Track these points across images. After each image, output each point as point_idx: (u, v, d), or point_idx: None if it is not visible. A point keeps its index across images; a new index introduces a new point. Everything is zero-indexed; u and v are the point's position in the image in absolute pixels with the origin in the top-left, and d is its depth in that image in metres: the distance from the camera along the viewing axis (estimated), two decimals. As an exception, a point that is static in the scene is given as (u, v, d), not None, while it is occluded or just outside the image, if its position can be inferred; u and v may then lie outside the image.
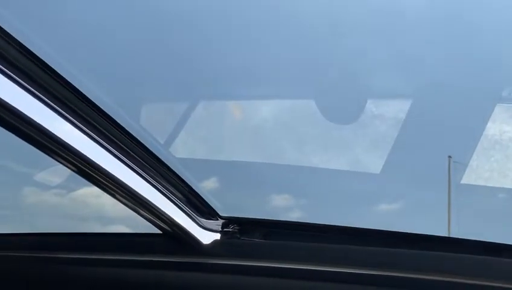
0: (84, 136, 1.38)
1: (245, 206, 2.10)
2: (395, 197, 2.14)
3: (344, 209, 2.10)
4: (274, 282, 1.90)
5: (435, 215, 2.09)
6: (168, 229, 1.84)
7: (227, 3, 1.65)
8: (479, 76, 1.72)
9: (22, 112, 1.18)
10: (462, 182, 1.95)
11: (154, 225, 1.83)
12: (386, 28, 1.66)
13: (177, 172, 1.76)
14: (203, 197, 1.90)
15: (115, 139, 1.48)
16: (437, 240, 1.87)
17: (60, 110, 1.28)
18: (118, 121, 1.47)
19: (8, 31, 1.10)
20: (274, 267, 1.89)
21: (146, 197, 1.66)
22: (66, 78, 1.27)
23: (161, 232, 1.90)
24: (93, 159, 1.43)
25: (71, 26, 1.49)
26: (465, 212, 2.00)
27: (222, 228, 1.97)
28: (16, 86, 1.15)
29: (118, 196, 1.63)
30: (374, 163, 2.00)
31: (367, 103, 1.85)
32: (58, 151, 1.34)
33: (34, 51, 1.17)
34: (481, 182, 2.04)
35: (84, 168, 1.45)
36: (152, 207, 1.70)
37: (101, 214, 2.49)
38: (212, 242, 1.95)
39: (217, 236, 1.97)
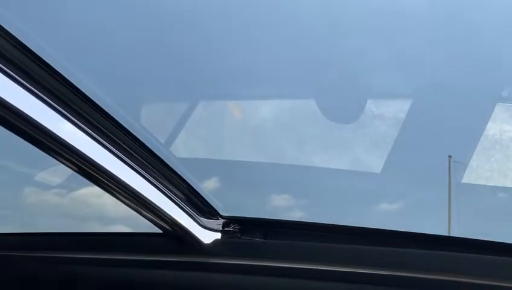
0: (86, 136, 1.38)
1: (246, 205, 2.10)
2: (395, 197, 2.14)
3: (344, 209, 2.10)
4: (274, 282, 1.90)
5: (435, 215, 2.09)
6: (169, 228, 1.84)
7: (227, 3, 1.65)
8: (479, 76, 1.72)
9: (26, 114, 1.19)
10: (463, 181, 1.95)
11: (155, 225, 1.83)
12: (386, 28, 1.66)
13: (178, 172, 1.76)
14: (204, 197, 1.90)
15: (116, 139, 1.49)
16: (443, 240, 1.87)
17: (63, 111, 1.29)
18: (119, 121, 1.47)
19: (10, 31, 1.10)
20: (274, 266, 1.89)
21: (147, 196, 1.66)
22: (68, 79, 1.28)
23: (162, 231, 1.90)
24: (95, 159, 1.43)
25: (71, 26, 1.50)
26: (465, 212, 2.00)
27: (223, 227, 1.97)
28: (20, 87, 1.16)
29: (119, 195, 1.63)
30: (374, 163, 2.00)
31: (367, 102, 1.85)
32: (61, 152, 1.35)
33: (34, 51, 1.17)
34: (481, 182, 2.04)
35: (86, 169, 1.46)
36: (153, 207, 1.71)
37: (102, 214, 2.49)
38: (213, 242, 1.95)
39: (218, 236, 1.97)
